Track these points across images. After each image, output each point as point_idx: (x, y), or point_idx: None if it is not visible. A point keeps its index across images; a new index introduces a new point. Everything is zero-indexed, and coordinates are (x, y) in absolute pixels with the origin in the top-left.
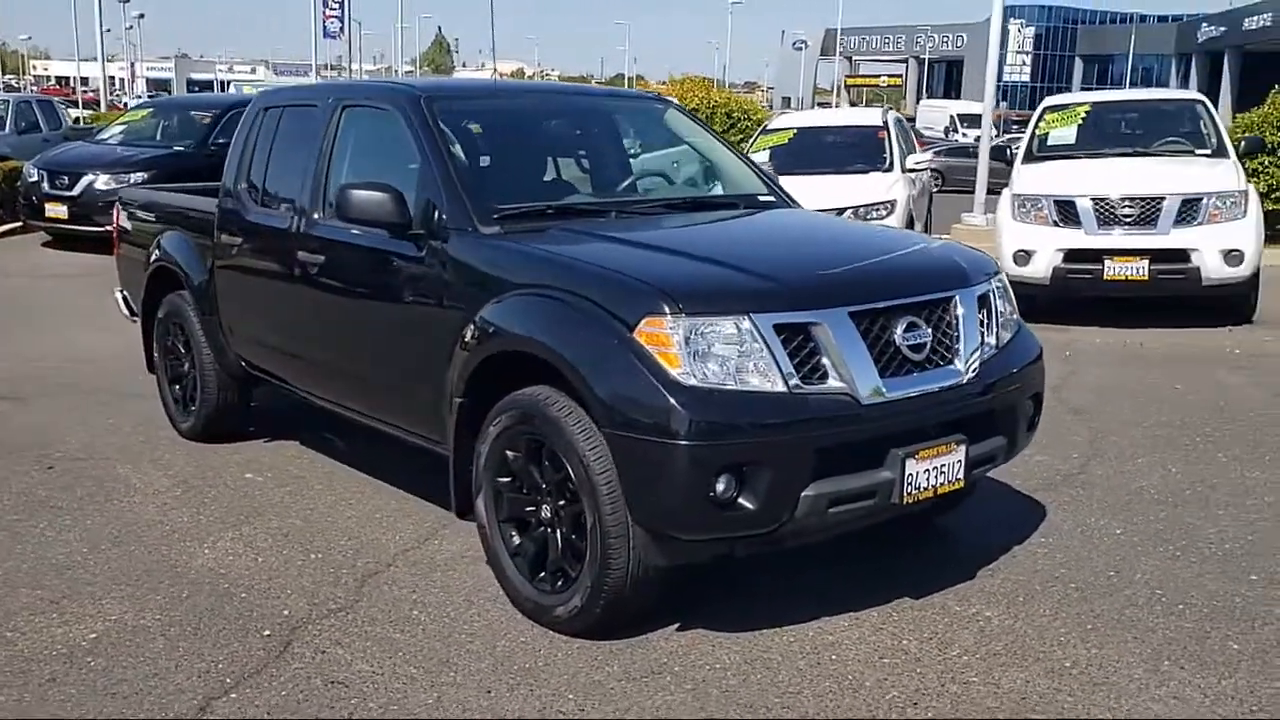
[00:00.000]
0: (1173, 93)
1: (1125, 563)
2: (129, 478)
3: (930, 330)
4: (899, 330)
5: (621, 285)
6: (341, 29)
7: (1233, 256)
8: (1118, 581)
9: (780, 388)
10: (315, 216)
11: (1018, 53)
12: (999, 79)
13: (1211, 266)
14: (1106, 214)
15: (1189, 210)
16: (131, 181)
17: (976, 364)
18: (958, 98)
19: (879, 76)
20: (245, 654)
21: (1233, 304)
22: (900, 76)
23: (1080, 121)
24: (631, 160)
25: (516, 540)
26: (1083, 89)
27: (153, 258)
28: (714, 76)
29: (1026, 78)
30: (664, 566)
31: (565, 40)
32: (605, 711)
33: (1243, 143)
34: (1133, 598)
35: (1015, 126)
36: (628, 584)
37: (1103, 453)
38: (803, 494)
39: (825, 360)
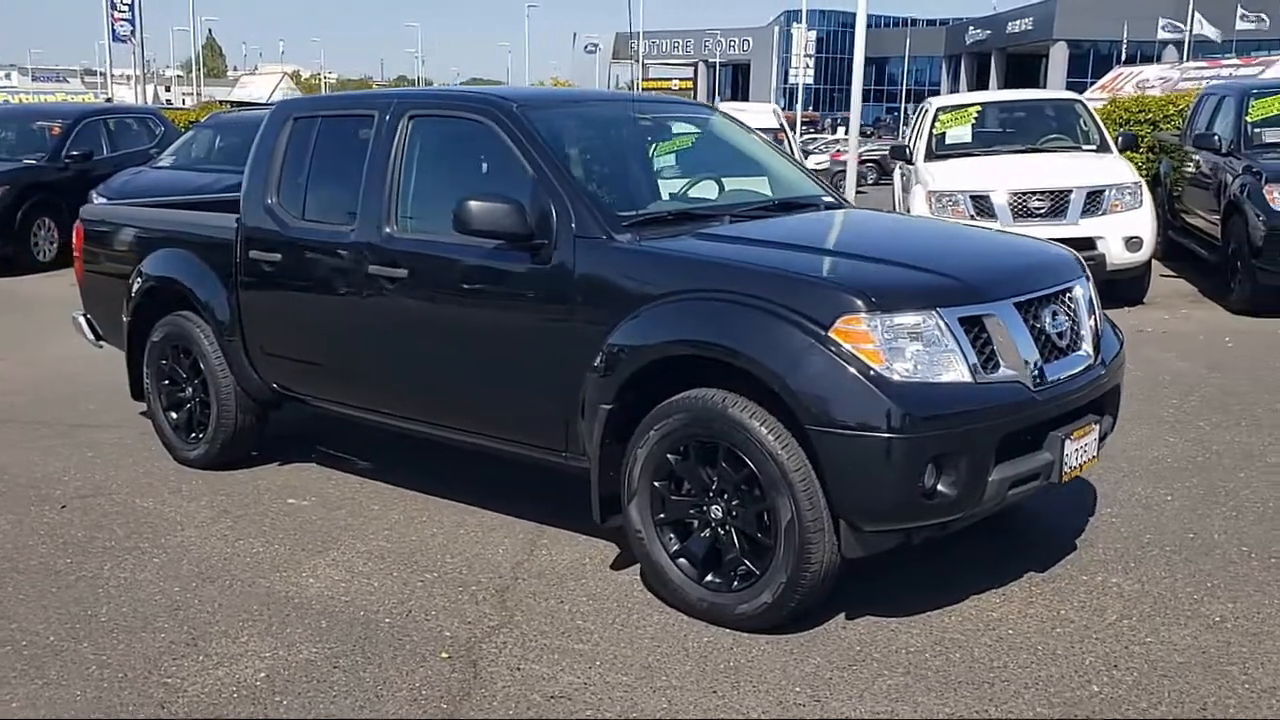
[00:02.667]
0: (1053, 94)
1: (1197, 525)
2: (161, 511)
3: (1066, 318)
4: (1047, 319)
5: (810, 286)
6: (132, 32)
7: (1133, 243)
8: (1203, 543)
9: (967, 378)
10: (388, 230)
11: (802, 55)
12: (785, 81)
13: (1115, 253)
14: (1020, 207)
15: (1093, 202)
16: None
17: (1096, 347)
18: (745, 100)
19: (670, 80)
20: (440, 678)
21: (1129, 287)
22: (691, 80)
23: (973, 121)
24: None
25: (676, 544)
26: (864, 90)
27: (140, 279)
28: (501, 79)
29: (811, 80)
30: (857, 558)
31: (352, 42)
32: (842, 699)
33: (1119, 139)
34: (1227, 555)
35: (805, 127)
36: (822, 577)
37: None
38: (989, 479)
39: (997, 350)
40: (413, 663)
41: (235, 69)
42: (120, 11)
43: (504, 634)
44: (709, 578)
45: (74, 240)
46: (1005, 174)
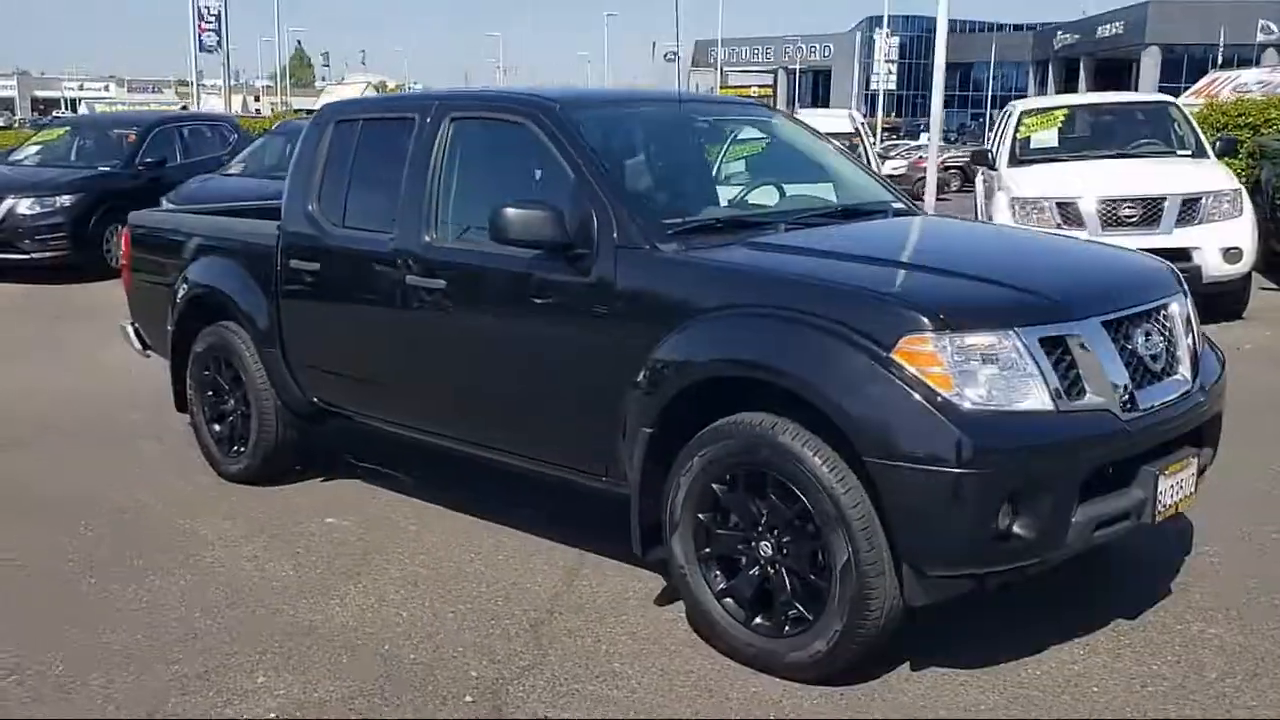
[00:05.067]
0: (1145, 96)
1: None
2: (196, 530)
3: (1161, 338)
4: (1140, 339)
5: (869, 301)
6: (219, 43)
7: (1231, 254)
8: None
9: (1048, 406)
10: (426, 239)
11: (885, 61)
12: (867, 87)
13: (1212, 265)
14: (1110, 215)
15: (1189, 210)
16: (59, 205)
17: (1194, 370)
18: (826, 106)
19: (750, 87)
20: None
21: (1227, 301)
22: (770, 86)
23: (1060, 125)
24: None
25: (722, 582)
26: (948, 95)
27: (184, 287)
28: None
29: (893, 85)
30: (920, 606)
31: (435, 52)
32: None
33: (1218, 143)
34: None
35: (886, 134)
36: (882, 625)
37: None
38: (1073, 520)
39: (1083, 374)
40: (434, 704)
41: (324, 79)
42: (207, 22)
43: (534, 676)
44: (758, 620)
45: (121, 247)
46: (1094, 180)
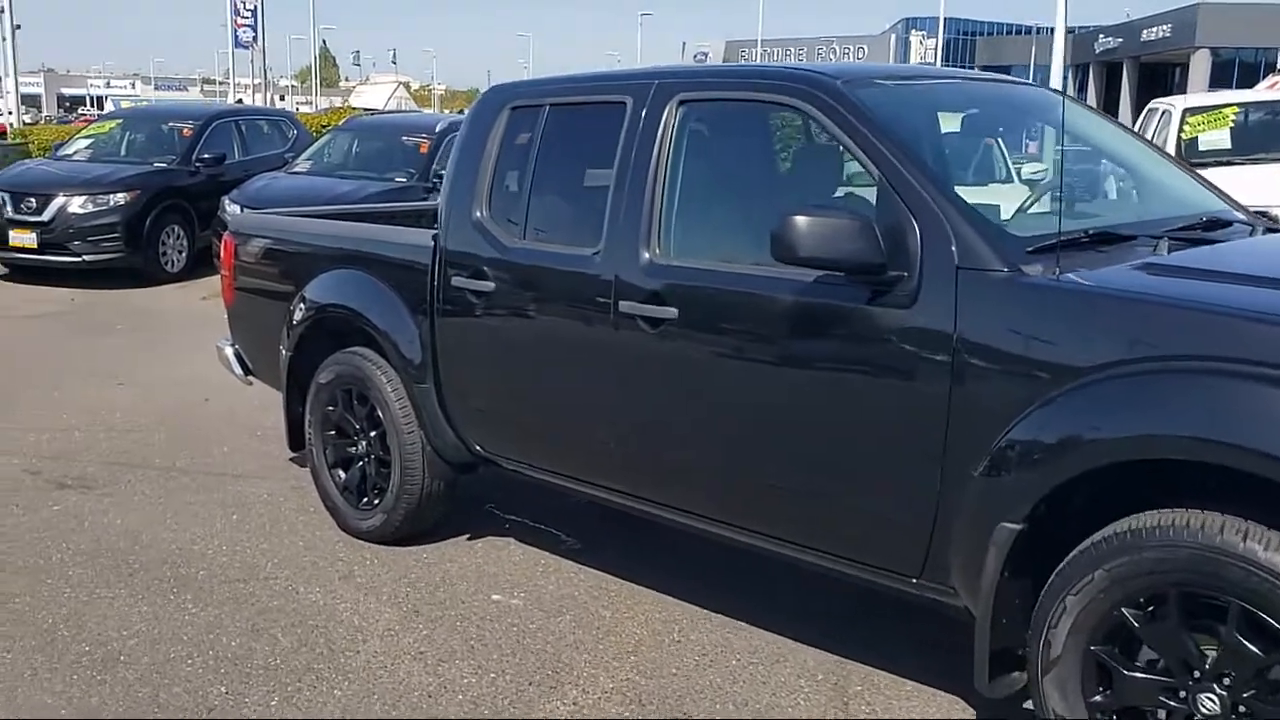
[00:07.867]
0: None
1: None
2: (333, 609)
3: None
4: None
5: None
6: (255, 38)
7: None
8: None
9: None
10: (648, 256)
11: (922, 64)
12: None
13: None
14: None
15: None
16: (112, 204)
17: None
18: None
19: None
20: None
21: None
22: None
23: (1231, 124)
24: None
25: None
26: None
27: (304, 306)
28: None
29: None
30: None
31: (464, 53)
32: None
33: None
34: None
35: None
36: None
37: None
38: None
39: None
40: None
41: (347, 79)
42: (243, 18)
43: None
44: None
45: (222, 255)
46: None
